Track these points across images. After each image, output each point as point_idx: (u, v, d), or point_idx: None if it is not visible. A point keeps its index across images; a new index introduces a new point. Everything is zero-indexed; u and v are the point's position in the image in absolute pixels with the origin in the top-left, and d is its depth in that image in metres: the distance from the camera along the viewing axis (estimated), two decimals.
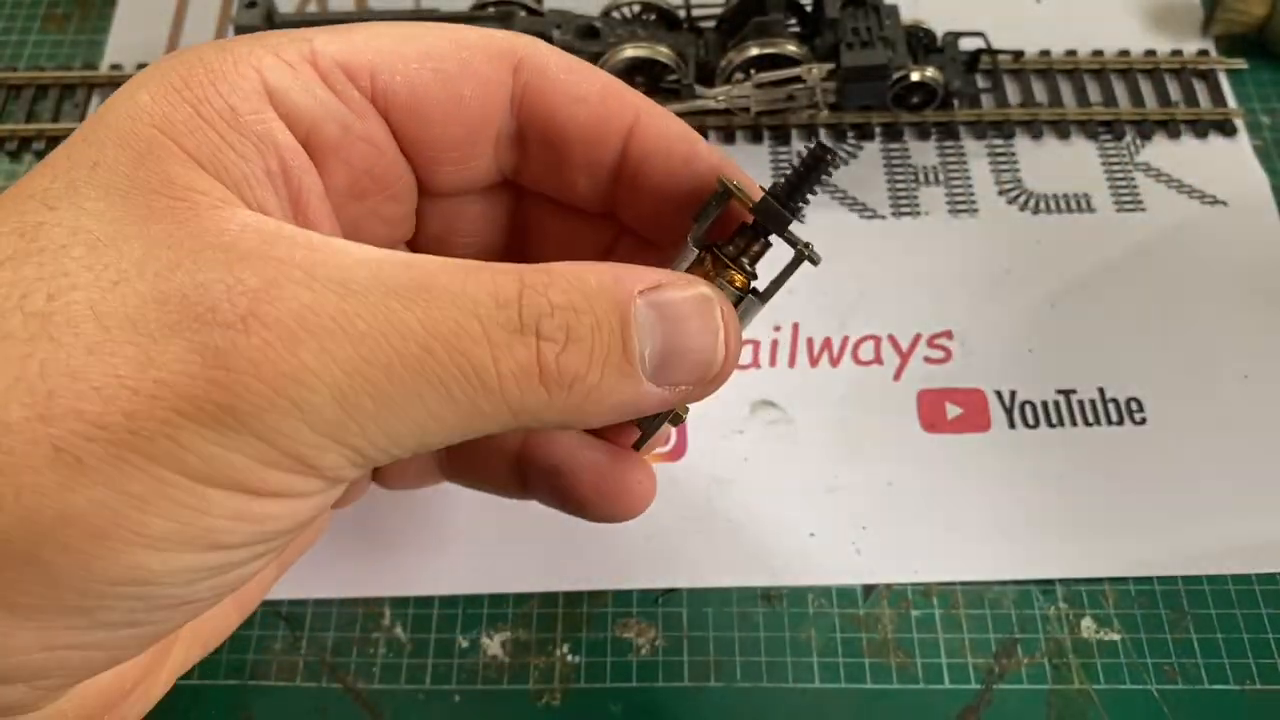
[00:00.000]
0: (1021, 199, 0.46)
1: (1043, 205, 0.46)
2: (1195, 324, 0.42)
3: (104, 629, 0.19)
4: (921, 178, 0.47)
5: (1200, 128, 0.47)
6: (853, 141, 0.48)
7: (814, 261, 0.24)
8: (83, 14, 0.53)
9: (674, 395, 0.23)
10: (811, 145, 0.24)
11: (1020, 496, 0.38)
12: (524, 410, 0.20)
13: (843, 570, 0.37)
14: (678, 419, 0.26)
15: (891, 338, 0.42)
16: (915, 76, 0.45)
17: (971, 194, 0.46)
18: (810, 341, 0.42)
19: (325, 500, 0.21)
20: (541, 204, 0.28)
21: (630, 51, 0.45)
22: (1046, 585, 0.37)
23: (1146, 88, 0.49)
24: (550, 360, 0.20)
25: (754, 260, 0.25)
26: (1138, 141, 0.47)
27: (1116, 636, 0.36)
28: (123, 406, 0.17)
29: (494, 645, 0.36)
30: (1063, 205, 0.46)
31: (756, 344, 0.42)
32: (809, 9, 0.46)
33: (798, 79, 0.45)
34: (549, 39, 0.45)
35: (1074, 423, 0.40)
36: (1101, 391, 0.40)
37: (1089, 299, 0.43)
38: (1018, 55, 0.49)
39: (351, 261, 0.19)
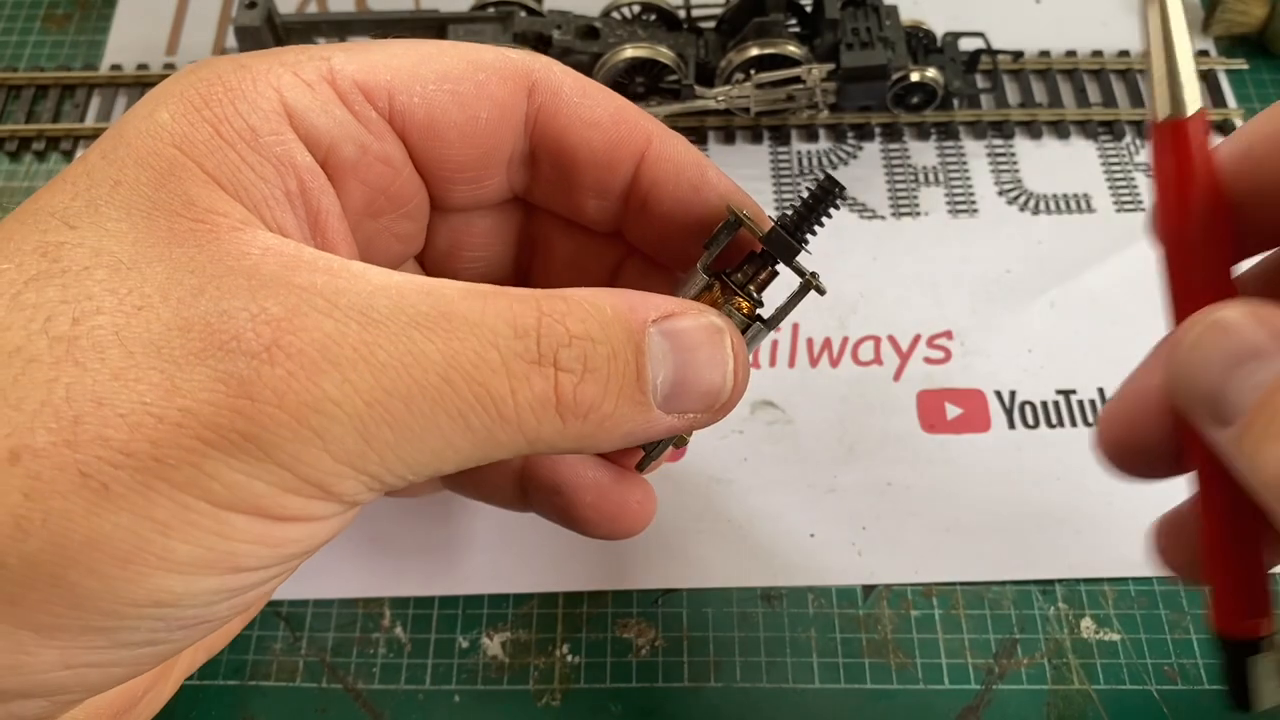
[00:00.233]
0: (1021, 199, 0.46)
1: (1043, 205, 0.46)
2: None
3: (125, 648, 0.19)
4: (921, 178, 0.47)
5: None
6: (852, 142, 0.48)
7: (820, 291, 0.25)
8: (83, 14, 0.53)
9: (682, 422, 0.23)
10: (820, 178, 0.24)
11: (1020, 496, 0.38)
12: (539, 439, 0.21)
13: (843, 570, 0.37)
14: (682, 441, 0.26)
15: (891, 338, 0.42)
16: (915, 77, 0.45)
17: (971, 194, 0.46)
18: (810, 342, 0.42)
19: (342, 523, 0.21)
20: (550, 221, 0.28)
21: (630, 52, 0.45)
22: (1046, 585, 0.37)
23: (1146, 88, 0.49)
24: (568, 391, 0.20)
25: (761, 288, 0.26)
26: (1138, 141, 0.47)
27: (1116, 637, 0.36)
28: (149, 434, 0.18)
29: (494, 645, 0.36)
30: (1063, 205, 0.46)
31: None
32: (809, 9, 0.46)
33: (798, 79, 0.45)
34: (549, 39, 0.45)
35: (1074, 423, 0.40)
36: (1101, 392, 0.40)
37: (1089, 299, 0.43)
38: (1017, 55, 0.49)
39: (372, 289, 0.19)
